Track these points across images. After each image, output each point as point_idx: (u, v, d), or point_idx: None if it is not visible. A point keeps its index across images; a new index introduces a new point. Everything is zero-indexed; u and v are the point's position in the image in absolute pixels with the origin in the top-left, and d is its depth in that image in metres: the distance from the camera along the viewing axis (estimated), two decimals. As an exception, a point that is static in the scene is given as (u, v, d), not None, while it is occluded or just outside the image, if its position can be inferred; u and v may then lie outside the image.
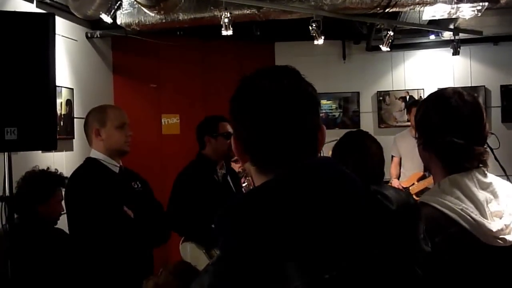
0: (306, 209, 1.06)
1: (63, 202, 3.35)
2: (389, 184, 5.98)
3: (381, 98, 7.43)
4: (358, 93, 7.48)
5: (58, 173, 3.58)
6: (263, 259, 1.03)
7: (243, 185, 5.47)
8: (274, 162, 1.17)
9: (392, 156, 6.20)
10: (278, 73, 1.23)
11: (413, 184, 5.79)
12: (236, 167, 5.25)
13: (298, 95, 1.19)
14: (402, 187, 5.84)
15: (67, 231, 3.31)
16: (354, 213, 1.09)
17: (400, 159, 6.13)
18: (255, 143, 1.19)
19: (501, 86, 7.17)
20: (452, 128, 1.68)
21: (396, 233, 1.13)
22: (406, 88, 7.37)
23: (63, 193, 3.35)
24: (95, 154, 3.21)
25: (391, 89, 7.42)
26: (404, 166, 6.06)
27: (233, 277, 1.05)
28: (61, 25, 5.00)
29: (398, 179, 6.08)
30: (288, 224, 1.05)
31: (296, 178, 1.11)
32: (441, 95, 1.77)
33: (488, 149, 1.72)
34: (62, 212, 3.47)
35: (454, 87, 1.80)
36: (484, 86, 7.19)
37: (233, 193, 4.47)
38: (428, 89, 6.75)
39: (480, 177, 1.66)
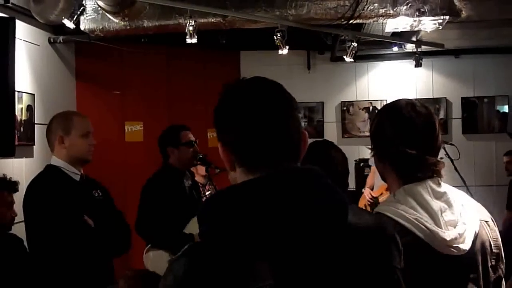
0: (280, 210, 1.12)
1: (15, 207, 3.29)
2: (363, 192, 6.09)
3: (345, 108, 7.50)
4: (322, 103, 7.53)
5: (2, 176, 3.53)
6: (236, 250, 1.10)
7: (207, 193, 5.47)
8: (261, 161, 1.22)
9: (370, 166, 6.27)
10: (260, 81, 1.30)
11: (382, 194, 5.85)
12: (203, 169, 5.23)
13: (280, 100, 1.26)
14: (372, 196, 5.91)
15: (24, 238, 3.24)
16: (330, 226, 1.17)
17: None
18: (243, 144, 1.23)
19: (462, 98, 7.32)
20: (405, 139, 1.71)
21: (366, 253, 1.21)
22: (370, 99, 7.46)
23: (14, 197, 3.29)
24: (56, 161, 3.15)
25: (355, 100, 7.51)
26: (376, 176, 6.10)
27: (208, 260, 1.11)
28: (23, 29, 4.91)
29: (372, 189, 6.12)
30: (261, 221, 1.11)
31: (277, 182, 1.16)
32: (394, 106, 1.80)
33: (441, 160, 1.75)
34: (13, 216, 3.42)
35: (407, 98, 1.83)
36: (445, 98, 7.33)
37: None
38: (391, 100, 6.82)
39: (434, 186, 1.68)
